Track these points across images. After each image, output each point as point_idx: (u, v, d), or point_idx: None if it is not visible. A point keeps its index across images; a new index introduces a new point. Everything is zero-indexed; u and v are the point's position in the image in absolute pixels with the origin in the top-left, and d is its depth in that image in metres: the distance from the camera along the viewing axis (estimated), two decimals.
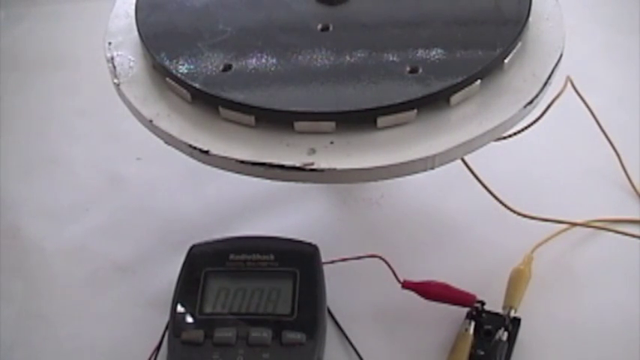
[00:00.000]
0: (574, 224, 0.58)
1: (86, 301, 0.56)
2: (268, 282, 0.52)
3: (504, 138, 0.51)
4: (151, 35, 0.52)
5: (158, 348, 0.52)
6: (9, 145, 0.69)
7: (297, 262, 0.52)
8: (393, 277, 0.53)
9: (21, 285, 0.58)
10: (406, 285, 0.53)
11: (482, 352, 0.50)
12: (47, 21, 0.84)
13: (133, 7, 0.54)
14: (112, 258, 0.59)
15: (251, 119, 0.47)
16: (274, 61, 0.49)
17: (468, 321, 0.52)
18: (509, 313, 0.52)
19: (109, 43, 0.54)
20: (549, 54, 0.51)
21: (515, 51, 0.50)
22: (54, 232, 0.61)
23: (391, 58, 0.49)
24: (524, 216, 0.57)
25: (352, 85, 0.47)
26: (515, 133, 0.52)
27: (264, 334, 0.49)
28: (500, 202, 0.57)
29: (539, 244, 0.57)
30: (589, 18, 0.78)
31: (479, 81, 0.48)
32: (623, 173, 0.62)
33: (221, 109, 0.48)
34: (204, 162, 0.47)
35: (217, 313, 0.50)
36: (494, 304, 0.52)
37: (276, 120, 0.47)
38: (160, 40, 0.51)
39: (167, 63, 0.49)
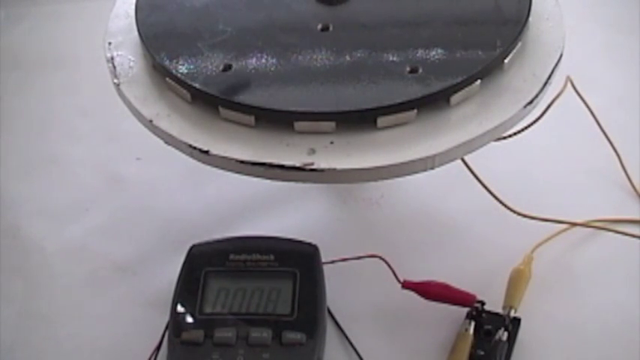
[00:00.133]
0: (574, 224, 0.58)
1: (86, 301, 0.56)
2: (268, 282, 0.52)
3: (504, 138, 0.51)
4: (151, 35, 0.52)
5: (158, 348, 0.52)
6: (9, 145, 0.69)
7: (297, 262, 0.52)
8: (393, 277, 0.53)
9: (21, 285, 0.58)
10: (406, 285, 0.53)
11: (482, 352, 0.50)
12: (47, 21, 0.83)
13: (133, 7, 0.54)
14: (112, 258, 0.59)
15: (251, 119, 0.47)
16: (274, 61, 0.49)
17: (468, 321, 0.52)
18: (509, 313, 0.52)
19: (109, 43, 0.54)
20: (549, 54, 0.51)
21: (515, 51, 0.50)
22: (54, 232, 0.61)
23: (391, 58, 0.49)
24: (524, 216, 0.57)
25: (352, 85, 0.47)
26: (515, 133, 0.52)
27: (264, 334, 0.49)
28: (500, 202, 0.57)
29: (539, 244, 0.57)
30: (589, 18, 0.78)
31: (479, 81, 0.48)
32: (623, 173, 0.62)
33: (221, 109, 0.48)
34: (204, 162, 0.47)
35: (217, 313, 0.50)
36: (494, 304, 0.52)
37: (276, 120, 0.47)
38: (160, 40, 0.51)
39: (167, 63, 0.49)
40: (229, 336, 0.49)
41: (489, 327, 0.51)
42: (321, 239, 0.54)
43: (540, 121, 0.54)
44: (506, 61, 0.49)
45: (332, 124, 0.46)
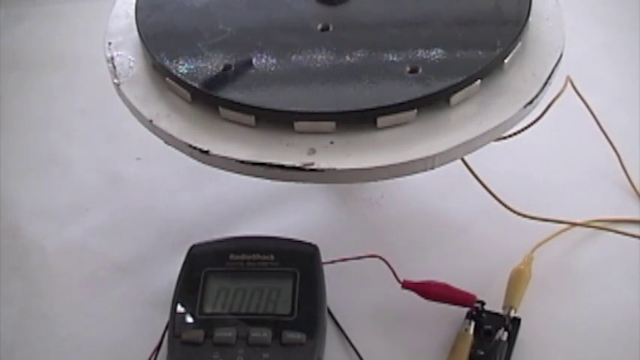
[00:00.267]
0: (574, 224, 0.58)
1: (86, 301, 0.56)
2: (268, 282, 0.52)
3: (504, 138, 0.51)
4: (151, 35, 0.52)
5: (158, 348, 0.52)
6: (9, 145, 0.69)
7: (297, 262, 0.52)
8: (393, 277, 0.53)
9: (21, 285, 0.58)
10: (406, 285, 0.53)
11: (482, 352, 0.50)
12: (47, 21, 0.83)
13: (133, 7, 0.54)
14: (112, 258, 0.59)
15: (251, 119, 0.47)
16: (274, 61, 0.49)
17: (468, 321, 0.52)
18: (509, 313, 0.52)
19: (109, 43, 0.54)
20: (549, 54, 0.51)
21: (515, 51, 0.50)
22: (54, 232, 0.61)
23: (391, 58, 0.49)
24: (524, 216, 0.57)
25: (352, 85, 0.47)
26: (515, 133, 0.52)
27: (264, 334, 0.49)
28: (500, 202, 0.57)
29: (539, 244, 0.57)
30: (589, 18, 0.78)
31: (479, 81, 0.48)
32: (623, 173, 0.62)
33: (221, 109, 0.48)
34: (204, 162, 0.47)
35: (217, 313, 0.50)
36: (494, 304, 0.52)
37: (276, 120, 0.47)
38: (160, 40, 0.51)
39: (167, 63, 0.49)
40: (229, 336, 0.49)
41: (489, 327, 0.51)
42: (321, 239, 0.54)
43: (540, 121, 0.54)
44: (506, 61, 0.49)
45: (332, 124, 0.46)
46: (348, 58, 0.49)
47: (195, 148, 0.47)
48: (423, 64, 0.48)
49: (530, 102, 0.48)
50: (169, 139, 0.48)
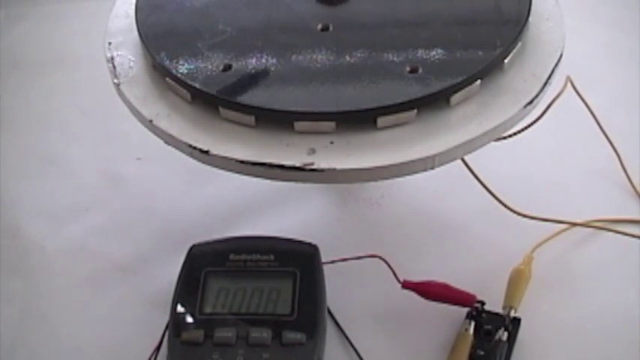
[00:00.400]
0: (574, 224, 0.58)
1: (86, 301, 0.56)
2: (268, 282, 0.52)
3: (504, 138, 0.51)
4: (151, 35, 0.52)
5: (158, 348, 0.52)
6: (9, 145, 0.69)
7: (297, 262, 0.52)
8: (393, 277, 0.53)
9: (21, 285, 0.58)
10: (406, 285, 0.53)
11: (482, 352, 0.50)
12: (47, 21, 0.84)
13: (133, 7, 0.54)
14: (112, 258, 0.59)
15: (251, 119, 0.47)
16: (274, 61, 0.49)
17: (468, 321, 0.52)
18: (509, 313, 0.52)
19: (109, 43, 0.54)
20: (549, 54, 0.51)
21: (515, 51, 0.50)
22: (54, 232, 0.61)
23: (391, 58, 0.49)
24: (524, 216, 0.57)
25: (352, 85, 0.47)
26: (515, 133, 0.52)
27: (264, 334, 0.49)
28: (500, 202, 0.57)
29: (539, 244, 0.57)
30: (589, 18, 0.78)
31: (479, 81, 0.48)
32: (623, 173, 0.62)
33: (221, 109, 0.48)
34: (204, 162, 0.47)
35: (217, 313, 0.50)
36: (494, 304, 0.52)
37: (276, 120, 0.47)
38: (160, 40, 0.51)
39: (167, 63, 0.49)
40: (229, 336, 0.49)
41: (489, 327, 0.51)
42: (321, 239, 0.54)
43: (540, 121, 0.54)
44: (506, 61, 0.49)
45: (332, 124, 0.46)
46: (348, 58, 0.49)
47: (195, 148, 0.47)
48: (423, 64, 0.48)
49: (530, 102, 0.48)
50: (169, 139, 0.48)
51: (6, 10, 0.85)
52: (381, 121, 0.46)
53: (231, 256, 0.53)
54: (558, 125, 0.59)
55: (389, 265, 0.53)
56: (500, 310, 0.52)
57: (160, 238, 0.60)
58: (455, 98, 0.47)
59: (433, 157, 0.45)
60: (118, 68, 0.52)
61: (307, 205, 0.62)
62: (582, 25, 0.71)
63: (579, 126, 0.62)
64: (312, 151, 0.46)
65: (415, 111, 0.46)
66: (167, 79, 0.50)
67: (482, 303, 0.52)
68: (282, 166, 0.45)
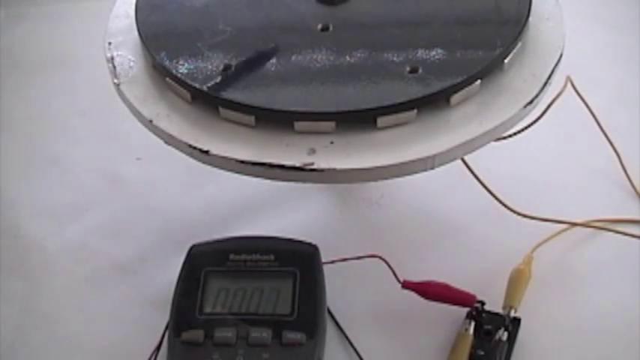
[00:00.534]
0: (574, 224, 0.58)
1: (86, 300, 0.56)
2: (268, 282, 0.52)
3: (504, 138, 0.51)
4: (151, 35, 0.52)
5: (158, 348, 0.52)
6: (9, 145, 0.69)
7: (297, 262, 0.52)
8: (393, 277, 0.53)
9: (21, 284, 0.58)
10: (406, 285, 0.53)
11: (482, 352, 0.50)
12: (47, 21, 0.83)
13: (133, 7, 0.54)
14: (112, 258, 0.59)
15: (251, 119, 0.47)
16: (274, 61, 0.49)
17: (468, 321, 0.52)
18: (509, 313, 0.52)
19: (109, 43, 0.54)
20: (549, 54, 0.51)
21: (515, 51, 0.50)
22: (54, 232, 0.61)
23: (391, 58, 0.49)
24: (524, 216, 0.57)
25: (352, 85, 0.47)
26: (515, 133, 0.52)
27: (264, 334, 0.49)
28: (500, 202, 0.57)
29: (539, 244, 0.57)
30: (589, 18, 0.78)
31: (479, 81, 0.48)
32: (623, 173, 0.62)
33: (221, 109, 0.48)
34: (204, 162, 0.47)
35: (217, 313, 0.50)
36: (494, 304, 0.52)
37: (276, 120, 0.47)
38: (160, 40, 0.51)
39: (167, 63, 0.49)
40: (229, 336, 0.49)
41: (489, 327, 0.51)
42: (321, 239, 0.54)
43: (540, 121, 0.54)
44: (506, 61, 0.49)
45: (332, 124, 0.46)
46: (348, 58, 0.49)
47: (195, 148, 0.47)
48: (423, 64, 0.48)
49: (530, 102, 0.48)
50: (169, 139, 0.48)
51: (6, 10, 0.85)
52: (381, 121, 0.46)
53: (231, 256, 0.53)
54: (558, 125, 0.59)
55: (389, 265, 0.53)
56: (500, 310, 0.52)
57: (160, 238, 0.60)
58: (455, 98, 0.47)
59: (433, 157, 0.45)
60: (118, 68, 0.52)
61: (307, 205, 0.62)
62: (582, 25, 0.71)
63: (579, 126, 0.62)
64: (312, 151, 0.46)
65: (415, 111, 0.46)
66: (167, 79, 0.50)
67: (483, 303, 0.52)
68: (282, 166, 0.45)
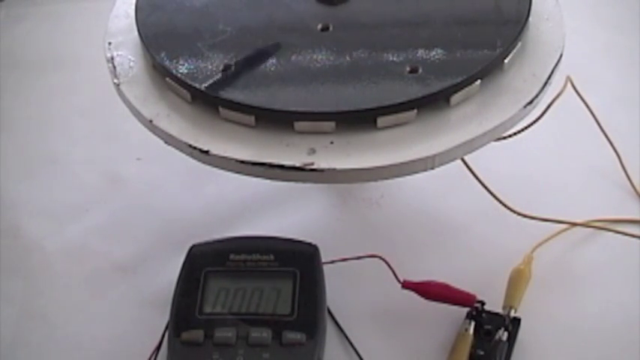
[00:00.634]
0: (574, 224, 0.58)
1: (86, 301, 0.56)
2: (268, 282, 0.52)
3: (504, 138, 0.51)
4: (151, 35, 0.52)
5: (158, 348, 0.52)
6: (9, 145, 0.69)
7: (297, 262, 0.52)
8: (393, 277, 0.53)
9: (21, 285, 0.58)
10: (406, 285, 0.53)
11: (482, 352, 0.50)
12: (47, 21, 0.83)
13: (133, 7, 0.54)
14: (112, 258, 0.59)
15: (251, 119, 0.47)
16: (274, 61, 0.49)
17: (468, 321, 0.52)
18: (509, 313, 0.52)
19: (109, 43, 0.54)
20: (549, 54, 0.51)
21: (515, 51, 0.50)
22: (54, 232, 0.61)
23: (391, 58, 0.49)
24: (524, 216, 0.57)
25: (352, 85, 0.47)
26: (515, 133, 0.52)
27: (264, 334, 0.49)
28: (500, 202, 0.57)
29: (539, 244, 0.57)
30: (589, 18, 0.78)
31: (479, 81, 0.48)
32: (623, 173, 0.62)
33: (221, 109, 0.48)
34: (204, 162, 0.47)
35: (217, 313, 0.50)
36: (494, 304, 0.52)
37: (276, 120, 0.47)
38: (160, 40, 0.51)
39: (167, 63, 0.49)
40: (229, 336, 0.49)
41: (489, 327, 0.51)
42: (321, 239, 0.54)
43: (540, 121, 0.54)
44: (506, 61, 0.49)
45: (332, 124, 0.46)
46: (348, 58, 0.49)
47: (195, 148, 0.47)
48: (423, 64, 0.48)
49: (530, 102, 0.48)
50: (169, 139, 0.48)
51: (6, 10, 0.85)
52: (381, 121, 0.46)
53: (231, 256, 0.53)
54: (558, 125, 0.59)
55: (389, 265, 0.53)
56: (500, 310, 0.52)
57: (160, 238, 0.60)
58: (455, 98, 0.47)
59: (433, 157, 0.45)
60: (118, 68, 0.52)
61: (307, 205, 0.62)
62: (582, 25, 0.71)
63: (579, 126, 0.62)
64: (312, 151, 0.46)
65: (415, 111, 0.46)
66: (167, 79, 0.50)
67: (483, 303, 0.52)
68: (282, 166, 0.45)
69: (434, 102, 0.47)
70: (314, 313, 0.50)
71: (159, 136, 0.49)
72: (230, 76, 0.49)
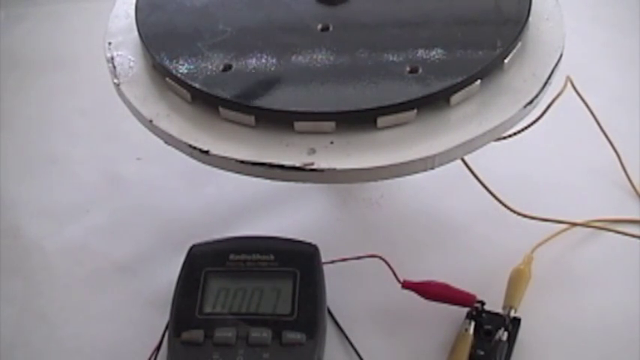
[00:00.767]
0: (574, 224, 0.58)
1: (86, 301, 0.56)
2: (268, 282, 0.52)
3: (504, 138, 0.51)
4: (151, 35, 0.52)
5: (158, 348, 0.52)
6: (9, 145, 0.69)
7: (297, 262, 0.52)
8: (393, 277, 0.53)
9: (21, 285, 0.58)
10: (406, 285, 0.53)
11: (482, 352, 0.50)
12: (47, 21, 0.84)
13: (133, 7, 0.54)
14: (112, 258, 0.59)
15: (251, 119, 0.47)
16: (274, 61, 0.49)
17: (468, 321, 0.52)
18: (509, 313, 0.52)
19: (109, 43, 0.54)
20: (549, 54, 0.51)
21: (515, 51, 0.50)
22: (54, 232, 0.61)
23: (391, 58, 0.49)
24: (524, 216, 0.57)
25: (352, 85, 0.47)
26: (515, 133, 0.52)
27: (264, 334, 0.49)
28: (500, 202, 0.57)
29: (539, 244, 0.57)
30: (589, 18, 0.78)
31: (479, 81, 0.48)
32: (623, 173, 0.62)
33: (221, 109, 0.48)
34: (204, 162, 0.47)
35: (217, 313, 0.50)
36: (494, 304, 0.52)
37: (276, 120, 0.47)
38: (160, 40, 0.51)
39: (167, 63, 0.49)
40: (229, 336, 0.49)
41: (489, 327, 0.51)
42: (321, 239, 0.54)
43: (540, 121, 0.54)
44: (506, 61, 0.49)
45: (332, 124, 0.46)
46: (348, 58, 0.49)
47: (195, 148, 0.47)
48: (423, 64, 0.48)
49: (530, 102, 0.48)
50: (169, 139, 0.48)
51: (6, 10, 0.85)
52: (381, 121, 0.46)
53: (231, 256, 0.53)
54: (558, 125, 0.59)
55: (389, 265, 0.53)
56: (500, 310, 0.52)
57: (160, 238, 0.60)
58: (455, 98, 0.47)
59: (433, 157, 0.45)
60: (118, 68, 0.52)
61: (307, 205, 0.62)
62: (582, 25, 0.71)
63: (579, 126, 0.62)
64: (312, 151, 0.46)
65: (415, 111, 0.46)
66: (167, 79, 0.50)
67: (483, 303, 0.52)
68: (282, 166, 0.45)
69: (434, 102, 0.47)
70: (314, 313, 0.50)
71: (159, 136, 0.49)
72: (230, 76, 0.49)
